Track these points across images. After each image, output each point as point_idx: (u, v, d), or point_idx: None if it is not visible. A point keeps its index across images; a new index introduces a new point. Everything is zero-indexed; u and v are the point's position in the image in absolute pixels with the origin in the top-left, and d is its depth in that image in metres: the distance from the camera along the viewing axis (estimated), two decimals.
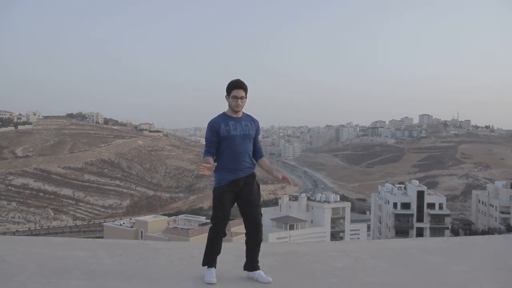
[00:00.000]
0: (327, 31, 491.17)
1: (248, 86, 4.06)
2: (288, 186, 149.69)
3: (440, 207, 71.32)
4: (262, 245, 4.16)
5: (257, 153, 4.20)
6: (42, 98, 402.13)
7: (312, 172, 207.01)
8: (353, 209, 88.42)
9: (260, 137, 4.34)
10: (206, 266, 4.04)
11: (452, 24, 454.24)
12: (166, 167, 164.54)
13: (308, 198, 78.54)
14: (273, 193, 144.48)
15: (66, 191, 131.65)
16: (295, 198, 77.85)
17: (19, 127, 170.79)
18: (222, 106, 4.20)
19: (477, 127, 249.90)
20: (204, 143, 4.09)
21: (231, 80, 4.03)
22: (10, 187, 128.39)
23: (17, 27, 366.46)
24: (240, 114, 4.09)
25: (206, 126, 4.00)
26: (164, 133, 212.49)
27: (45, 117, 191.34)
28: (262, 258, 4.18)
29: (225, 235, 4.13)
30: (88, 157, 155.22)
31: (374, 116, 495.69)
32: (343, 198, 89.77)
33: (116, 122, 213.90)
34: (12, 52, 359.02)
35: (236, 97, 3.98)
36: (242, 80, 4.05)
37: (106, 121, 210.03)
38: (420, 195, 70.87)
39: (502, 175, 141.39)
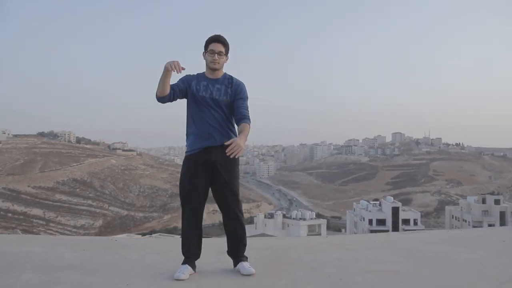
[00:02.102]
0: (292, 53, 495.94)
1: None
2: (263, 205, 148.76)
3: (415, 223, 71.69)
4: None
5: (236, 117, 3.32)
6: (12, 116, 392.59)
7: (287, 190, 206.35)
8: (328, 227, 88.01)
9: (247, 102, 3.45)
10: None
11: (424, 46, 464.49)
12: (140, 187, 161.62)
13: (284, 216, 77.97)
14: (248, 211, 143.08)
15: (36, 211, 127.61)
16: (270, 216, 77.15)
17: None
18: None
19: (448, 144, 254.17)
20: None
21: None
22: None
23: None
24: (218, 75, 3.36)
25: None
26: (138, 152, 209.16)
27: (15, 136, 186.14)
28: (245, 252, 3.57)
29: (199, 227, 3.43)
30: (59, 177, 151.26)
31: (348, 135, 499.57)
32: (318, 216, 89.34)
33: (88, 141, 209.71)
34: None
35: (213, 51, 3.25)
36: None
37: (79, 140, 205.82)
38: (395, 211, 71.15)
39: (473, 191, 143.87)
